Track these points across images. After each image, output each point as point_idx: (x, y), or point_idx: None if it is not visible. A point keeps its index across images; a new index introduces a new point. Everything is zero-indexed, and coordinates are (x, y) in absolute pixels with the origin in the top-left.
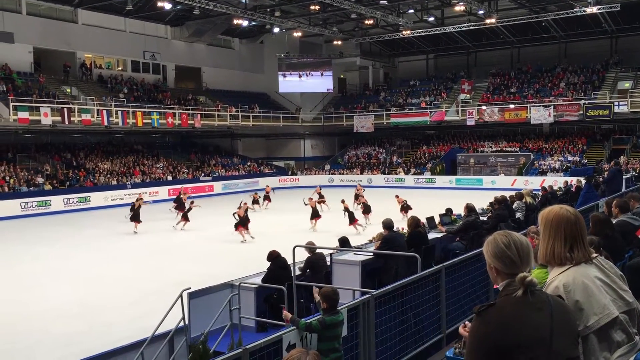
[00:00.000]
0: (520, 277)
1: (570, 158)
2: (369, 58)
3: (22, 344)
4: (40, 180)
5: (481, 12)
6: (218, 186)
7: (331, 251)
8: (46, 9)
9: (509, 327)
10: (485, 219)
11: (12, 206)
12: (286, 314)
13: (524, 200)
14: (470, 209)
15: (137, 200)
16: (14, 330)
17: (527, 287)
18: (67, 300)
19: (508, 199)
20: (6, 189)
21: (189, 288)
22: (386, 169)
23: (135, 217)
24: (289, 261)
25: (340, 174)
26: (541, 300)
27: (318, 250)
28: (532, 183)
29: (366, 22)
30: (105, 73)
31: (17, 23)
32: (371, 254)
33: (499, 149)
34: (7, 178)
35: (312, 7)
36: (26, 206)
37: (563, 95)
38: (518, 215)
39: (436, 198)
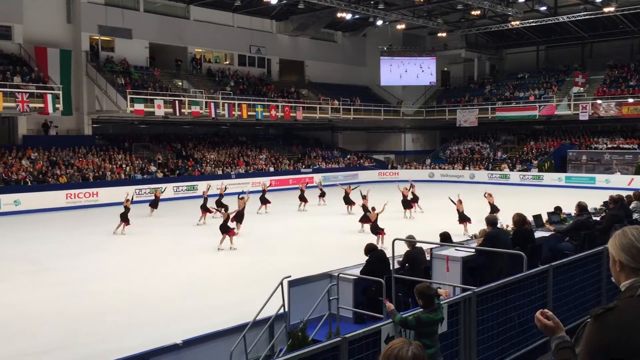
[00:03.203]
0: None
1: None
2: (474, 50)
3: (132, 321)
4: (153, 168)
5: (599, 0)
6: (318, 178)
7: (431, 246)
8: (161, 6)
9: (629, 332)
10: (598, 219)
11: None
12: (389, 305)
13: None
14: (582, 207)
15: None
16: (122, 309)
17: None
18: (172, 283)
19: (625, 198)
20: (123, 176)
21: (290, 276)
22: (490, 164)
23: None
24: (388, 254)
25: (441, 168)
26: None
27: (418, 245)
28: None
29: (473, 13)
30: (213, 67)
31: (135, 20)
32: (473, 250)
33: (615, 145)
34: (124, 166)
35: None
36: (140, 193)
37: None
38: (635, 216)
39: (543, 196)
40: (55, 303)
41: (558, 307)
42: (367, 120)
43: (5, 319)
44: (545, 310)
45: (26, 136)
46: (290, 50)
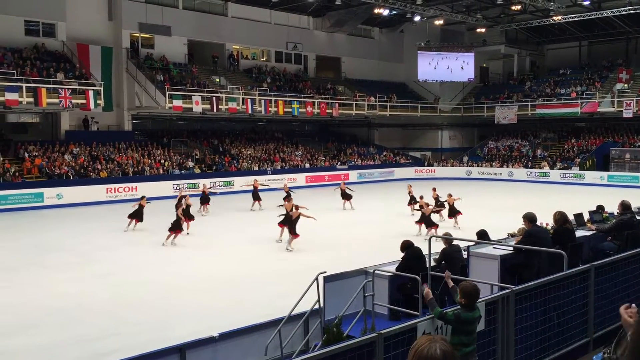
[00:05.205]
0: None
1: None
2: (514, 46)
3: (170, 314)
4: (190, 164)
5: None
6: (354, 175)
7: (468, 243)
8: (200, 3)
9: None
10: None
11: (165, 187)
12: (428, 291)
13: None
14: (625, 206)
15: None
16: (160, 301)
17: None
18: (209, 277)
19: None
20: (161, 172)
21: (325, 272)
22: (529, 162)
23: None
24: (424, 251)
25: (478, 166)
26: None
27: (455, 242)
28: None
29: (513, 7)
30: (250, 63)
31: (174, 17)
32: (511, 248)
33: None
34: (163, 161)
35: None
36: (178, 188)
37: None
38: None
39: (585, 195)
40: (101, 293)
41: (599, 308)
42: (404, 117)
43: (61, 307)
44: (633, 306)
45: (68, 131)
46: (326, 47)
